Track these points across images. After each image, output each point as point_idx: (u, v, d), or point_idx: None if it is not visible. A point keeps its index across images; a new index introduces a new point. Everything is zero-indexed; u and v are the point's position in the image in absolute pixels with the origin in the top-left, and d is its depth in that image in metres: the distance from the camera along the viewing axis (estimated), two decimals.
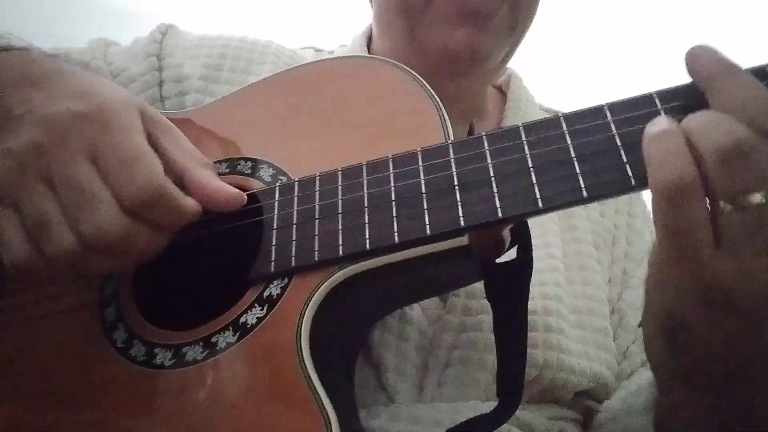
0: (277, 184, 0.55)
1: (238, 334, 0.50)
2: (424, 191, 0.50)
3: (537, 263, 0.53)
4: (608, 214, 0.79)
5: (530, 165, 0.48)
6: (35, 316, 0.57)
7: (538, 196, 0.47)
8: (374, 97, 0.58)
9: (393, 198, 0.50)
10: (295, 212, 0.53)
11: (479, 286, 0.63)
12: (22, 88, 0.50)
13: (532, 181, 0.47)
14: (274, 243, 0.53)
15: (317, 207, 0.52)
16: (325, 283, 0.49)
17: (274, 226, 0.53)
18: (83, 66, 0.72)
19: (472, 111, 0.78)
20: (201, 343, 0.51)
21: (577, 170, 0.46)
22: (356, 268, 0.50)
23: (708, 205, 0.41)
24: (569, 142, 0.47)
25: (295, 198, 0.54)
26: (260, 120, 0.62)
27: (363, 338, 0.59)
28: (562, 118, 0.49)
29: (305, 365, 0.47)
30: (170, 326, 0.53)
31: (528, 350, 0.55)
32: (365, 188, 0.52)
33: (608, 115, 0.47)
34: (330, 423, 0.44)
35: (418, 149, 0.52)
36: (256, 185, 0.57)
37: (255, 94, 0.64)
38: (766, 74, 0.44)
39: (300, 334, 0.48)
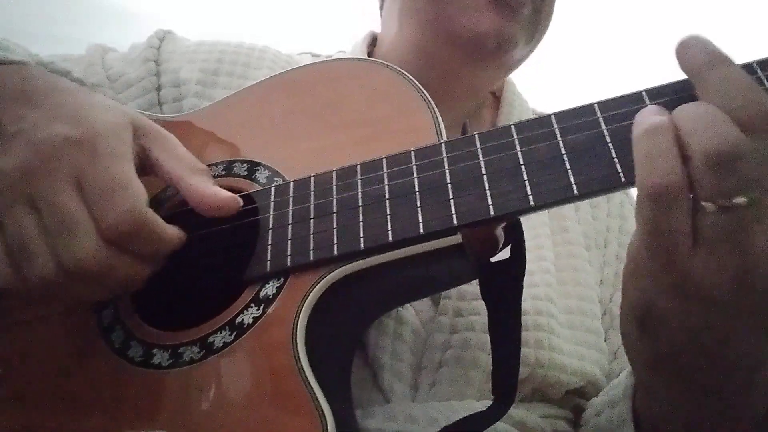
0: (273, 185, 0.56)
1: (234, 333, 0.50)
2: (417, 190, 0.50)
3: (528, 265, 0.54)
4: (600, 217, 0.79)
5: (521, 163, 0.48)
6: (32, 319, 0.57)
7: (529, 193, 0.47)
8: (369, 99, 0.59)
9: (387, 197, 0.51)
10: (290, 212, 0.54)
11: (470, 288, 0.64)
12: (17, 104, 0.50)
13: (523, 179, 0.48)
14: (269, 243, 0.53)
15: (312, 207, 0.53)
16: (321, 283, 0.50)
17: (270, 227, 0.54)
18: (80, 81, 0.73)
19: (468, 113, 0.79)
20: (198, 344, 0.51)
21: (568, 167, 0.47)
22: (351, 267, 0.50)
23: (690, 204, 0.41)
24: (560, 139, 0.48)
25: (290, 198, 0.54)
26: (256, 122, 0.62)
27: (359, 337, 0.60)
28: (552, 116, 0.49)
29: (301, 364, 0.47)
30: (168, 327, 0.53)
31: None
32: (359, 188, 0.52)
33: (598, 112, 0.48)
34: (326, 422, 0.44)
35: (412, 149, 0.52)
36: (252, 187, 0.57)
37: (251, 96, 0.65)
38: (754, 71, 0.44)
39: (296, 333, 0.48)
